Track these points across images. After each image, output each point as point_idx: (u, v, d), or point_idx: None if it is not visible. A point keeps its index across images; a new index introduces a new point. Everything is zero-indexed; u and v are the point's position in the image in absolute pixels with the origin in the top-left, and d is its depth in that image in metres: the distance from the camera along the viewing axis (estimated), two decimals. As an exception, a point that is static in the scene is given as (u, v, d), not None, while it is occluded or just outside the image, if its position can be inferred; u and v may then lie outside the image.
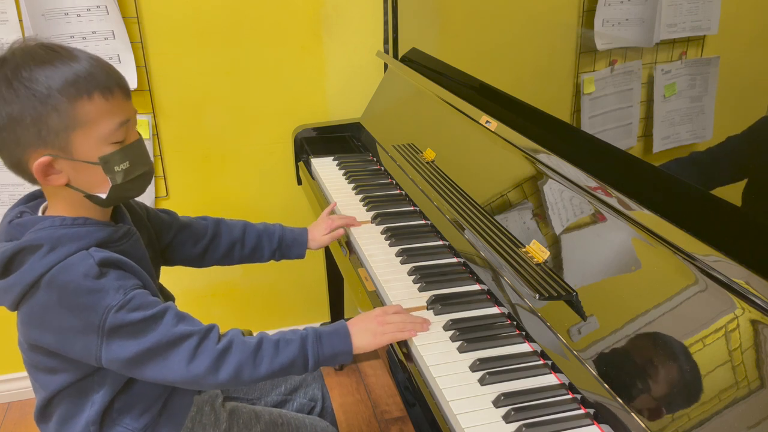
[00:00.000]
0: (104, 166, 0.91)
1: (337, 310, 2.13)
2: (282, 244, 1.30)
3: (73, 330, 0.90)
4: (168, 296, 1.12)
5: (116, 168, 0.92)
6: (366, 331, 1.02)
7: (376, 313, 1.04)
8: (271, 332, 1.01)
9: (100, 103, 0.89)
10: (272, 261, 1.32)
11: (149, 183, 0.99)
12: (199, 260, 1.25)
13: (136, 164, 0.94)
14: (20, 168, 0.91)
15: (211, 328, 0.96)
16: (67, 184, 0.91)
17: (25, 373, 1.98)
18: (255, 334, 1.01)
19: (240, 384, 1.01)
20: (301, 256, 1.33)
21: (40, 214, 0.97)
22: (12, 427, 1.93)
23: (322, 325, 1.01)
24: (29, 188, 1.00)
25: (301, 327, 1.04)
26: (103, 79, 0.90)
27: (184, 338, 0.92)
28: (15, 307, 0.92)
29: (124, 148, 0.92)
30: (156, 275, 1.10)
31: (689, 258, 0.82)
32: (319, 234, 1.34)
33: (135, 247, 1.00)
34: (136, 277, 0.94)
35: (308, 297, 2.15)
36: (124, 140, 0.92)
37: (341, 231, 1.35)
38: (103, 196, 0.93)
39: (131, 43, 1.72)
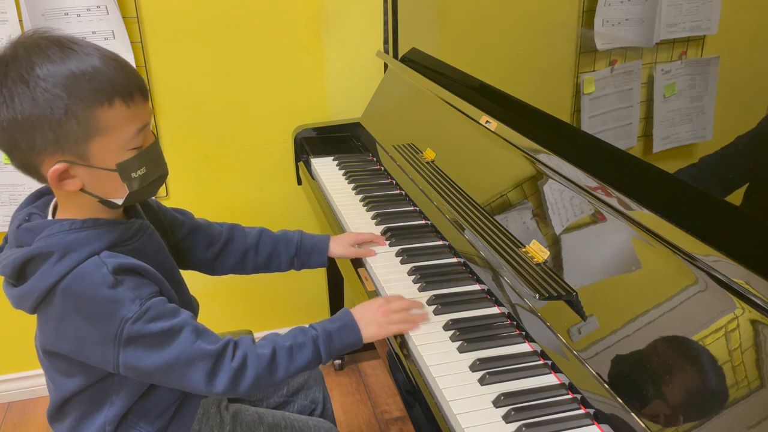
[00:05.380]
0: (121, 173, 0.88)
1: (337, 310, 2.12)
2: (300, 251, 1.24)
3: (90, 339, 0.89)
4: (187, 300, 1.09)
5: (133, 174, 0.89)
6: (371, 323, 1.03)
7: (379, 302, 1.05)
8: (273, 331, 1.01)
9: (120, 110, 0.86)
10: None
11: (162, 185, 0.97)
12: (210, 266, 1.22)
13: (152, 169, 0.92)
14: (32, 170, 0.89)
15: (226, 344, 0.95)
16: (82, 189, 0.89)
17: (25, 373, 2.00)
18: (264, 334, 1.00)
19: (260, 390, 1.01)
20: (323, 264, 1.26)
21: (49, 214, 0.95)
22: (12, 427, 1.93)
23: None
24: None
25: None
26: (124, 84, 0.86)
27: (200, 358, 0.92)
28: (33, 311, 0.92)
29: (141, 154, 0.90)
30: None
31: (689, 258, 0.82)
32: (341, 243, 1.26)
33: (150, 241, 0.98)
34: (152, 283, 0.93)
35: (308, 297, 2.15)
36: (141, 145, 0.90)
37: (365, 251, 1.26)
38: (119, 202, 0.91)
39: (131, 43, 1.72)
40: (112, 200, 0.91)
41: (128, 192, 0.90)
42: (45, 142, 0.84)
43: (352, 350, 1.03)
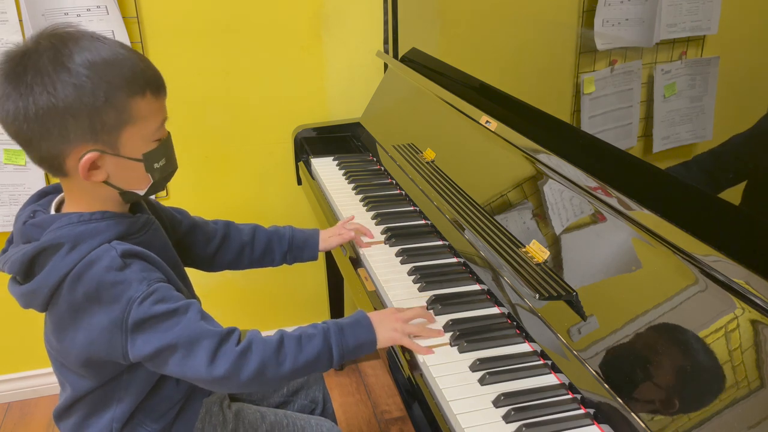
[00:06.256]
0: (146, 163, 0.92)
1: (337, 311, 2.13)
2: (292, 246, 1.26)
3: (100, 326, 0.89)
4: (192, 296, 1.09)
5: (156, 165, 0.93)
6: (386, 326, 1.00)
7: (392, 310, 1.04)
8: (288, 329, 0.99)
9: (151, 101, 0.90)
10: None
11: (170, 180, 1.00)
12: (209, 262, 1.23)
13: (169, 161, 0.96)
14: (53, 161, 0.89)
15: (232, 330, 0.94)
16: (105, 181, 0.90)
17: (25, 373, 2.01)
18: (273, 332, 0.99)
19: (265, 384, 0.96)
20: (314, 257, 1.29)
21: (52, 210, 0.96)
22: (12, 427, 1.93)
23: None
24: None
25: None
26: (153, 77, 0.91)
27: (205, 336, 0.91)
28: (44, 308, 0.92)
29: (162, 145, 0.94)
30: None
31: (689, 258, 0.82)
32: (329, 233, 1.30)
33: (156, 236, 0.99)
34: (159, 270, 0.93)
35: (308, 297, 2.15)
36: (162, 137, 0.94)
37: (351, 234, 1.30)
38: (142, 192, 0.94)
39: (131, 43, 1.72)
40: (134, 191, 0.93)
41: (151, 182, 0.93)
42: (79, 130, 0.85)
43: (367, 352, 0.99)
